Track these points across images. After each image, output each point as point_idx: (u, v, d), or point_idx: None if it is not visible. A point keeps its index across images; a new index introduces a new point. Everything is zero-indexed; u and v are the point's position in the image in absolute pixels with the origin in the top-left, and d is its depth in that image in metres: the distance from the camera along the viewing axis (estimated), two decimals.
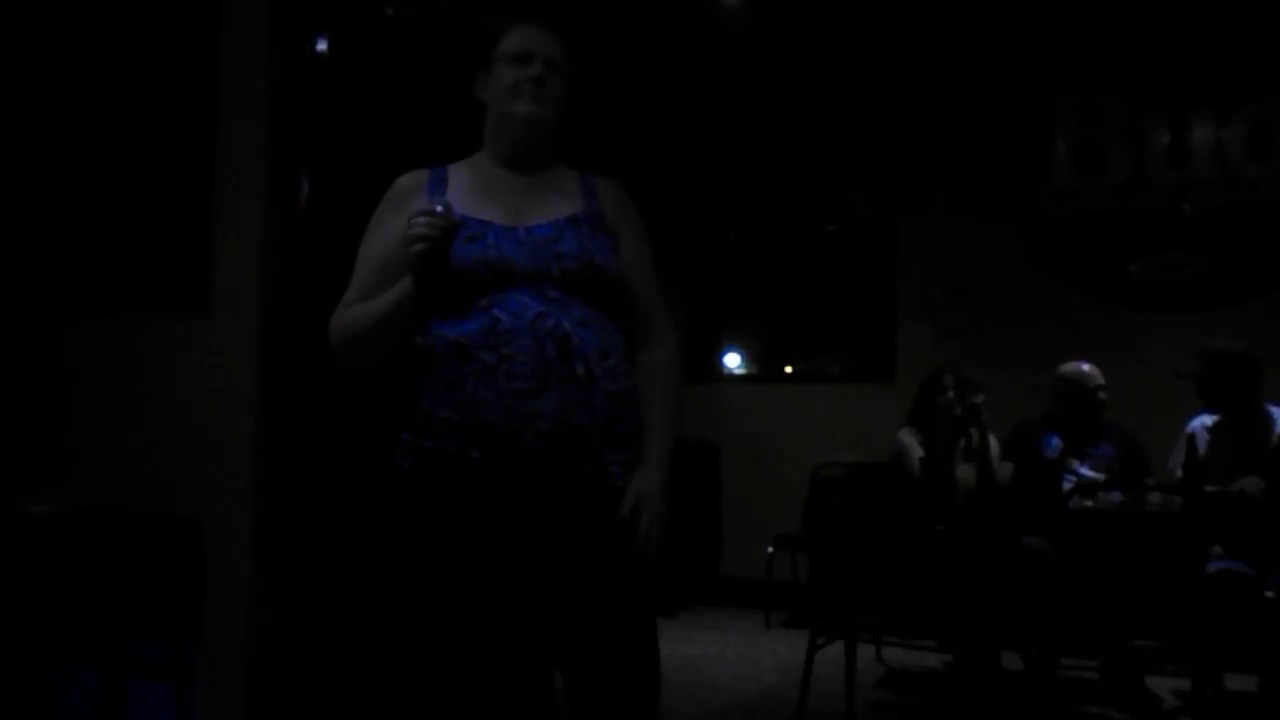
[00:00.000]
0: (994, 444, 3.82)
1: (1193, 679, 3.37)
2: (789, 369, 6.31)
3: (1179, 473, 3.44)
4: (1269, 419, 3.67)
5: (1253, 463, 3.51)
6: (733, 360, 6.36)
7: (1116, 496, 3.39)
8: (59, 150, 3.44)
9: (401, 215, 1.72)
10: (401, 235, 1.64)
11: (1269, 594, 3.24)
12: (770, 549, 5.17)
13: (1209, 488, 3.35)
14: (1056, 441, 3.95)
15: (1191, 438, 3.76)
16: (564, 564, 1.67)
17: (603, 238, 1.78)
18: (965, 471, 3.56)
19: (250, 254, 2.99)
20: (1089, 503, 3.37)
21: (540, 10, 1.88)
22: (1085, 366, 3.98)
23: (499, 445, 1.62)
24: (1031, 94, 5.42)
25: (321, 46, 3.16)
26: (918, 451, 4.09)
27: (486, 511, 1.64)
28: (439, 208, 1.62)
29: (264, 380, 2.97)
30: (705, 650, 4.72)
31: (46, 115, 3.45)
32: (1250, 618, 3.22)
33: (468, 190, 1.77)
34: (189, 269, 3.10)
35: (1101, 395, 3.93)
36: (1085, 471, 3.86)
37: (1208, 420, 3.79)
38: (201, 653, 2.93)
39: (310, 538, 3.04)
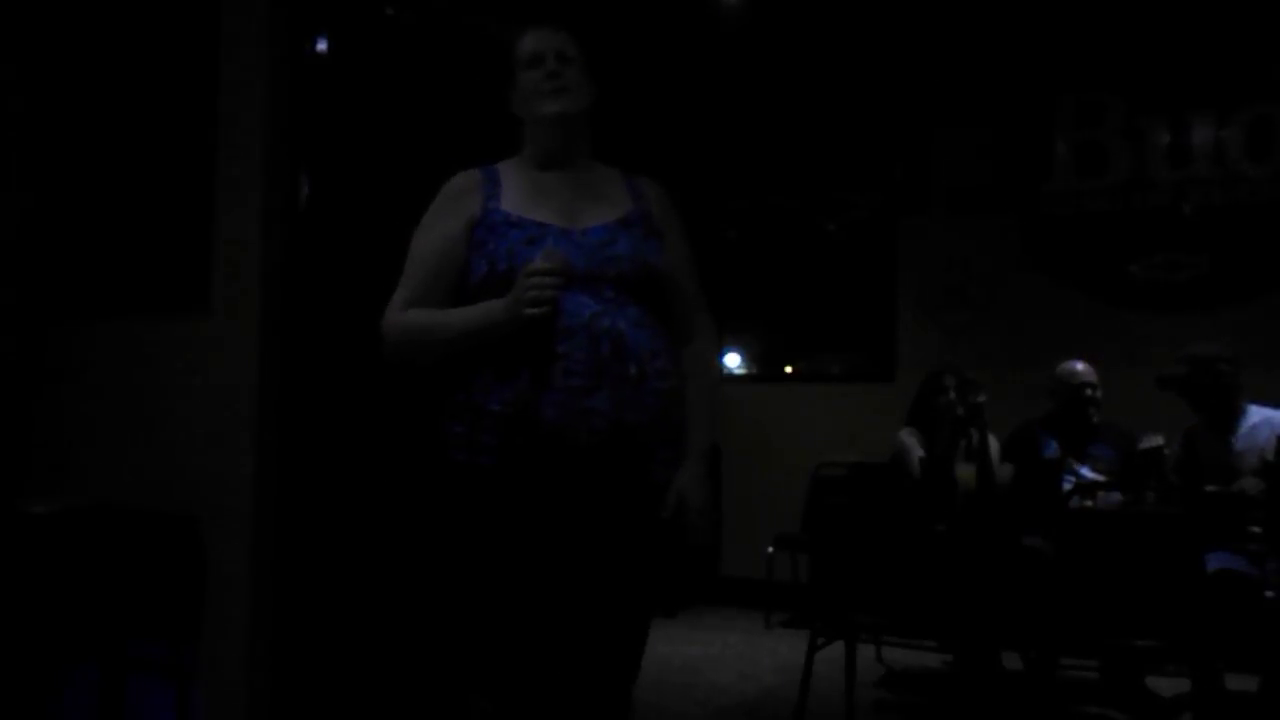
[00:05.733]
0: (994, 444, 3.82)
1: (1193, 679, 3.37)
2: (789, 369, 6.30)
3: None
4: (1250, 419, 3.66)
5: (1239, 463, 3.52)
6: (733, 360, 6.36)
7: (1116, 497, 3.39)
8: (59, 151, 3.44)
9: (457, 215, 1.77)
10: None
11: (1269, 594, 3.24)
12: (770, 549, 5.17)
13: (1209, 488, 3.36)
14: (1054, 445, 3.94)
15: (1189, 438, 3.78)
16: (599, 555, 1.71)
17: (653, 240, 1.83)
18: (965, 471, 3.55)
19: (250, 254, 2.98)
20: (1089, 503, 3.37)
21: (540, 11, 1.90)
22: (1079, 365, 3.98)
23: (551, 441, 1.65)
24: (1031, 94, 5.42)
25: (321, 46, 3.16)
26: (918, 451, 4.08)
27: (534, 506, 1.67)
28: (544, 261, 1.63)
29: (264, 380, 2.97)
30: (705, 650, 4.71)
31: (47, 117, 3.44)
32: (1250, 618, 3.22)
33: (520, 191, 1.81)
34: (189, 269, 3.10)
35: (1091, 393, 3.92)
36: (1086, 473, 3.86)
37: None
38: (201, 653, 2.93)
39: (310, 538, 3.03)
